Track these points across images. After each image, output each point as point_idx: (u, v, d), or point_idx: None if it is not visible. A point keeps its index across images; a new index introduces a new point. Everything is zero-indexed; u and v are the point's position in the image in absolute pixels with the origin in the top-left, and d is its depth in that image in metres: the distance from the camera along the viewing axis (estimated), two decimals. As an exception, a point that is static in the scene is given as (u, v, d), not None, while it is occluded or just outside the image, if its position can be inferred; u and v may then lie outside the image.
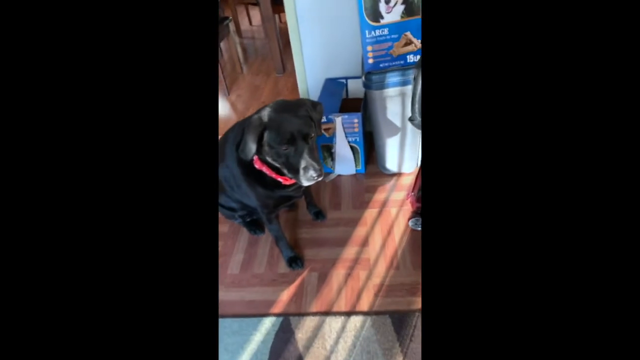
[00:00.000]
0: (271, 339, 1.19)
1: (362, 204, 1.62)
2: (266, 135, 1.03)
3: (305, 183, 1.06)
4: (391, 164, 1.70)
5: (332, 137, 1.65)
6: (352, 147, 1.68)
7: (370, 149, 1.85)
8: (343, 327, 1.19)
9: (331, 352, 1.13)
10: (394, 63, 1.39)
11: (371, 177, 1.76)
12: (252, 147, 1.02)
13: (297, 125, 1.02)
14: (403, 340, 1.13)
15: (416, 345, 1.11)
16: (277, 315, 1.25)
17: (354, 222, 1.55)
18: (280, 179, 1.15)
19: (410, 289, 1.27)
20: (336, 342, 1.15)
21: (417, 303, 1.22)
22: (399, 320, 1.18)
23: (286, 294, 1.32)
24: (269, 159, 1.10)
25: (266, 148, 1.06)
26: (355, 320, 1.20)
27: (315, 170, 1.02)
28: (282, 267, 1.42)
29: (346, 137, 1.64)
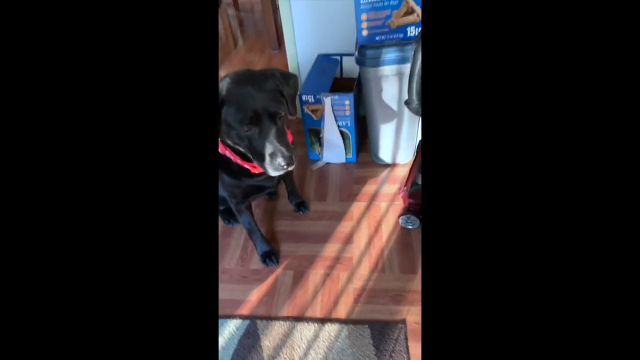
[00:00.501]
0: (234, 344, 1.05)
1: (350, 196, 1.46)
2: (224, 112, 0.86)
3: (273, 173, 0.89)
4: (385, 153, 1.53)
5: (320, 120, 1.48)
6: (342, 133, 1.51)
7: (363, 135, 1.67)
8: (315, 336, 1.05)
9: (299, 364, 0.99)
10: (392, 36, 1.20)
11: (362, 167, 1.59)
12: None
13: (262, 100, 0.84)
14: (382, 355, 0.99)
15: (396, 363, 0.97)
16: (244, 317, 1.12)
17: (339, 216, 1.39)
18: (247, 166, 0.98)
19: (394, 296, 1.12)
20: (306, 352, 1.01)
21: (402, 313, 1.08)
22: (379, 331, 1.03)
23: (256, 294, 1.18)
24: (229, 142, 0.93)
25: (224, 128, 0.88)
26: (330, 329, 1.06)
27: (284, 157, 0.85)
28: (256, 262, 1.28)
29: (336, 120, 1.46)
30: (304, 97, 1.43)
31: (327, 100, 1.40)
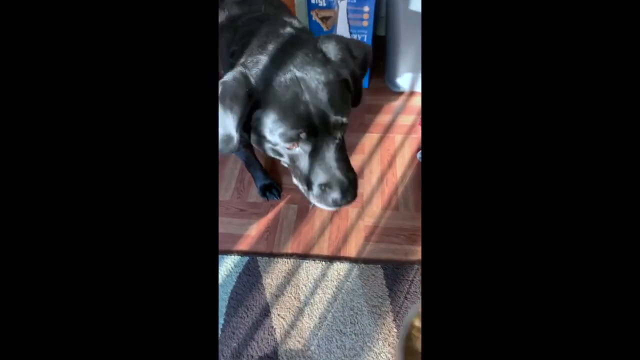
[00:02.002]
0: (232, 282, 0.95)
1: (361, 127, 1.29)
2: (258, 116, 0.56)
3: (321, 206, 0.62)
4: (403, 78, 1.33)
5: (332, 31, 1.23)
6: (356, 50, 1.27)
7: (378, 57, 1.44)
8: (323, 275, 0.96)
9: (305, 304, 0.91)
10: None
11: (375, 94, 1.39)
12: (233, 135, 0.55)
13: (321, 100, 0.53)
14: (396, 297, 0.91)
15: (412, 305, 0.90)
16: (242, 253, 1.00)
17: (348, 149, 1.21)
18: None
19: (410, 236, 1.03)
20: (313, 292, 0.93)
21: (418, 253, 0.99)
22: (393, 272, 0.95)
23: (256, 229, 1.06)
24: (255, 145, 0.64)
25: (254, 137, 0.59)
26: (339, 268, 0.96)
27: (342, 190, 0.57)
28: (254, 195, 1.14)
29: (350, 32, 1.22)
30: (313, 0, 1.16)
31: (342, 5, 1.14)
